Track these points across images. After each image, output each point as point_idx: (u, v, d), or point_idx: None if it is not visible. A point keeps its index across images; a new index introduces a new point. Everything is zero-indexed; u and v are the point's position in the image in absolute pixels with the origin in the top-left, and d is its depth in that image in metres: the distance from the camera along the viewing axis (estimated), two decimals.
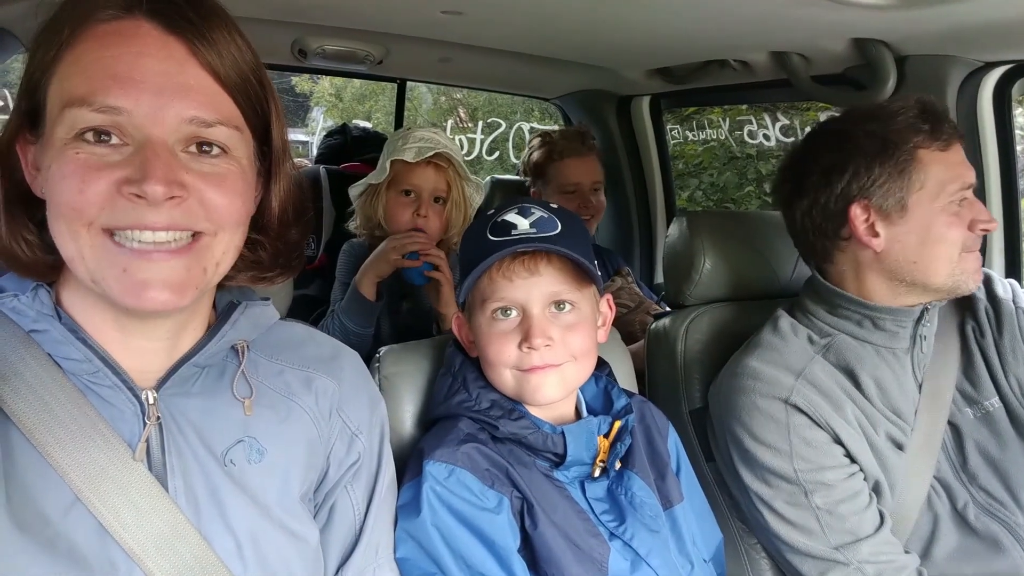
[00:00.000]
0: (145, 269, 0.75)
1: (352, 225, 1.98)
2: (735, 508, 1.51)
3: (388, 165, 1.81)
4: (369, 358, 1.29)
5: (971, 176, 1.36)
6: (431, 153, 1.79)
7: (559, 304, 1.16)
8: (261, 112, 0.85)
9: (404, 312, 1.93)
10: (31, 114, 0.78)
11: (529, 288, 1.15)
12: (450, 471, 1.08)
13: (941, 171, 1.33)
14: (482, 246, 1.15)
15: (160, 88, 0.75)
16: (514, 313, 1.16)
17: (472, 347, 1.24)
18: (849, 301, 1.41)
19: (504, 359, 1.16)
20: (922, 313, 1.39)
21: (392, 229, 1.85)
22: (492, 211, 1.23)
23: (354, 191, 1.92)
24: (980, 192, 1.82)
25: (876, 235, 1.36)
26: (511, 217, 1.17)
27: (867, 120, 1.37)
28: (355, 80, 9.53)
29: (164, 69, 0.76)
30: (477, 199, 1.96)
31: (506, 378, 1.17)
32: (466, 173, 1.88)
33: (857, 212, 1.37)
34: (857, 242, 1.38)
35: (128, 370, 0.82)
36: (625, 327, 2.20)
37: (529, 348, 1.13)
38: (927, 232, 1.33)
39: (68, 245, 0.75)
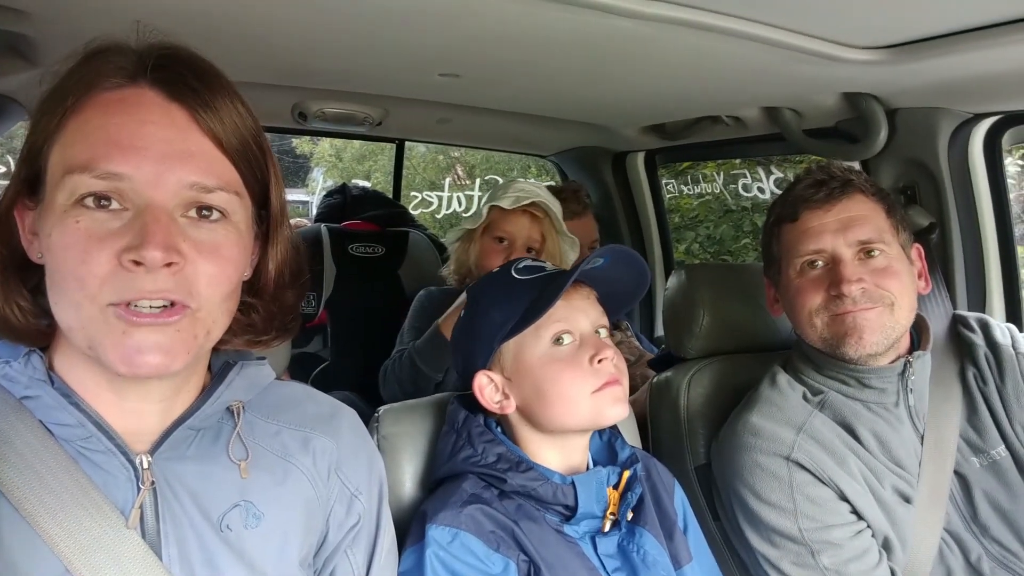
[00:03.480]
0: (140, 334, 0.74)
1: (445, 271, 2.02)
2: (744, 567, 1.48)
3: (485, 211, 1.85)
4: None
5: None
6: (527, 201, 1.81)
7: (598, 331, 1.19)
8: (261, 176, 0.86)
9: None
10: (31, 180, 0.79)
11: (585, 309, 1.18)
12: (454, 535, 1.06)
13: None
14: (522, 286, 1.18)
15: (162, 155, 0.76)
16: (570, 338, 1.16)
17: (503, 406, 1.19)
18: (833, 361, 1.40)
19: (582, 385, 1.14)
20: (905, 366, 1.38)
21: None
22: (499, 268, 1.26)
23: (450, 237, 1.96)
24: (975, 239, 1.83)
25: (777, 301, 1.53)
26: (529, 264, 1.22)
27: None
28: (354, 141, 9.70)
29: (166, 136, 0.76)
30: (571, 255, 1.96)
31: (583, 408, 1.15)
32: (563, 228, 1.89)
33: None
34: None
35: (122, 433, 0.81)
36: None
37: (600, 361, 1.14)
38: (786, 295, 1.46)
39: (68, 314, 0.75)
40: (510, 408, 1.19)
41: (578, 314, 1.17)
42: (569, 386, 1.14)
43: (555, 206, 1.90)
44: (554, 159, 3.20)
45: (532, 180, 1.98)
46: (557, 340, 1.15)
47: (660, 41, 1.42)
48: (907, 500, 1.34)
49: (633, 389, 2.17)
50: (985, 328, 1.48)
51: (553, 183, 3.11)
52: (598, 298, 1.22)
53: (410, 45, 1.56)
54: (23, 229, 0.80)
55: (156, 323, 0.75)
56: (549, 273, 1.20)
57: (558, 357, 1.15)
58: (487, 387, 1.20)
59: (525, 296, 1.16)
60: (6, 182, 0.83)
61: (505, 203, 1.82)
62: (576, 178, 3.08)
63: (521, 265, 1.22)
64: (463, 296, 1.80)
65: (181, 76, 0.79)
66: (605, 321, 1.21)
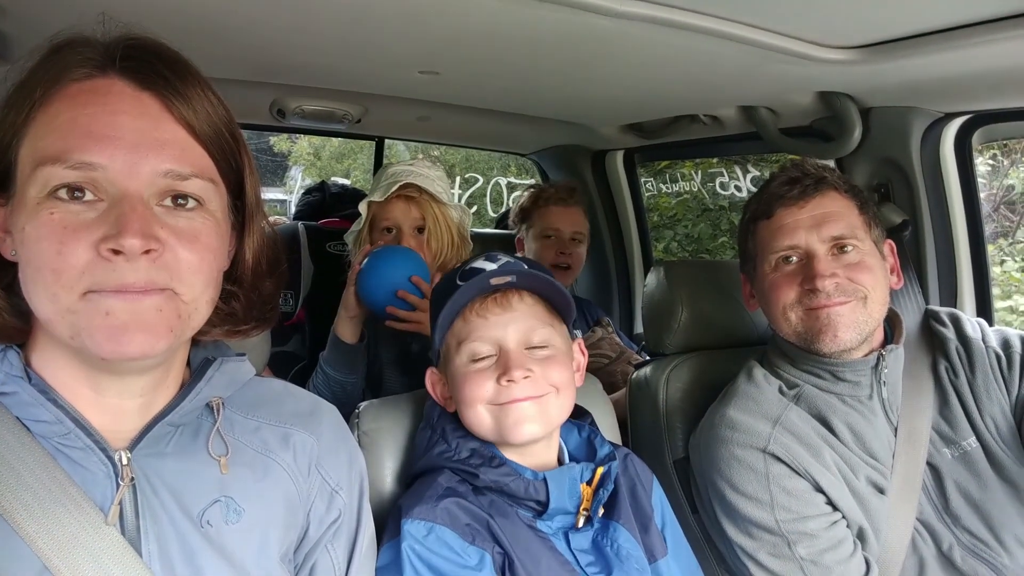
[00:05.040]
0: (125, 310, 0.74)
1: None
2: (722, 560, 1.50)
3: (363, 209, 1.82)
4: (351, 413, 1.28)
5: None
6: (397, 187, 1.77)
7: (536, 343, 1.18)
8: (235, 165, 0.86)
9: (414, 355, 1.83)
10: (0, 177, 0.78)
11: (504, 325, 1.16)
12: (429, 529, 1.06)
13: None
14: (453, 291, 1.17)
15: (135, 143, 0.75)
16: (490, 351, 1.16)
17: (449, 403, 1.23)
18: (807, 355, 1.43)
19: (480, 394, 1.15)
20: (878, 360, 1.40)
21: None
22: (452, 270, 1.25)
23: (349, 239, 1.92)
24: (947, 236, 1.86)
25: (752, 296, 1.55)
26: (479, 264, 1.21)
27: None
28: (333, 139, 9.64)
29: (139, 125, 0.76)
30: (467, 221, 1.93)
31: (483, 418, 1.15)
32: (442, 198, 1.84)
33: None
34: None
35: (101, 430, 0.80)
36: (607, 377, 2.20)
37: (508, 381, 1.13)
38: (761, 290, 1.48)
39: (46, 306, 0.74)
40: (452, 406, 1.22)
41: (498, 330, 1.16)
42: (471, 392, 1.16)
43: (432, 177, 1.85)
44: (534, 157, 3.21)
45: (405, 160, 1.91)
46: (476, 356, 1.17)
47: (638, 40, 1.43)
48: (881, 491, 1.36)
49: (615, 386, 2.19)
50: (956, 322, 1.51)
51: (534, 181, 3.11)
52: (553, 284, 1.20)
53: (390, 42, 1.56)
54: None
55: (136, 298, 0.74)
56: (476, 281, 1.18)
57: (470, 370, 1.17)
58: (438, 384, 1.25)
59: (454, 303, 1.17)
60: None
61: (377, 195, 1.79)
62: (556, 176, 3.09)
63: (468, 266, 1.21)
64: (344, 294, 1.74)
65: (151, 65, 0.78)
66: (545, 332, 1.18)
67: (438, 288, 1.26)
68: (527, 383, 1.14)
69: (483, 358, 1.16)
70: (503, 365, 1.14)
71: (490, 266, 1.20)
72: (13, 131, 0.76)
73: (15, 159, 0.76)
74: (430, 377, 1.26)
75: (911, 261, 1.80)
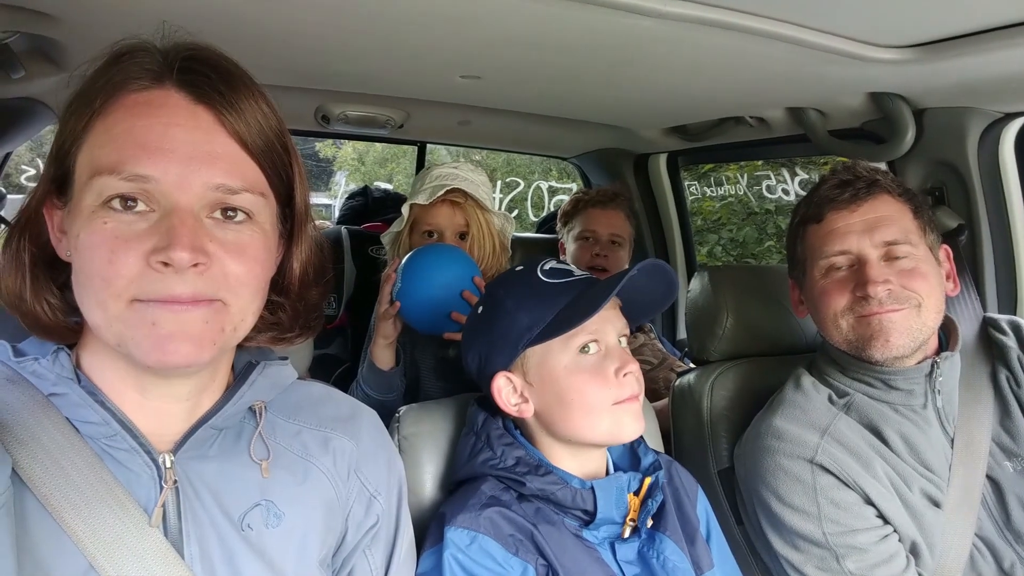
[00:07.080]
0: (171, 321, 0.75)
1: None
2: (767, 572, 1.46)
3: (406, 210, 1.80)
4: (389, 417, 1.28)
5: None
6: (443, 192, 1.74)
7: (621, 338, 1.18)
8: (285, 177, 0.86)
9: (452, 361, 1.79)
10: (59, 180, 0.80)
11: (612, 320, 1.17)
12: (472, 538, 1.05)
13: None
14: (552, 290, 1.15)
15: (188, 157, 0.76)
16: (596, 347, 1.15)
17: (521, 408, 1.18)
18: (859, 363, 1.38)
19: (605, 395, 1.12)
20: (932, 367, 1.35)
21: None
22: (521, 266, 1.23)
23: (385, 240, 1.90)
24: (1006, 241, 1.79)
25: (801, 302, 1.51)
26: (555, 266, 1.20)
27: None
28: (377, 144, 9.77)
29: (192, 138, 0.77)
30: (509, 229, 1.90)
31: (603, 419, 1.13)
32: (487, 205, 1.82)
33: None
34: None
35: (146, 433, 0.82)
36: (648, 384, 2.17)
37: (626, 375, 1.13)
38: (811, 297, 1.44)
39: (95, 312, 0.76)
40: (528, 412, 1.18)
41: (606, 324, 1.15)
42: (593, 396, 1.12)
43: (476, 182, 1.81)
44: (576, 161, 3.19)
45: (449, 162, 1.86)
46: (583, 349, 1.14)
47: (683, 41, 1.41)
48: (936, 504, 1.31)
49: (657, 393, 2.16)
50: (1017, 330, 1.45)
51: (575, 185, 3.10)
52: (620, 305, 1.21)
53: (431, 48, 1.56)
54: (52, 227, 0.82)
55: (182, 308, 0.75)
56: (578, 279, 1.18)
57: (584, 367, 1.13)
58: (505, 388, 1.18)
59: (555, 301, 1.13)
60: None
61: (422, 198, 1.75)
62: (598, 180, 3.07)
63: (547, 267, 1.19)
64: (379, 322, 1.67)
65: (206, 78, 0.79)
66: (627, 330, 1.20)
67: (516, 285, 1.21)
68: (632, 378, 1.15)
69: (591, 355, 1.14)
70: (620, 358, 1.14)
71: (569, 267, 1.21)
72: (73, 138, 0.79)
73: (74, 165, 0.78)
74: (497, 382, 1.18)
75: (967, 267, 1.74)
